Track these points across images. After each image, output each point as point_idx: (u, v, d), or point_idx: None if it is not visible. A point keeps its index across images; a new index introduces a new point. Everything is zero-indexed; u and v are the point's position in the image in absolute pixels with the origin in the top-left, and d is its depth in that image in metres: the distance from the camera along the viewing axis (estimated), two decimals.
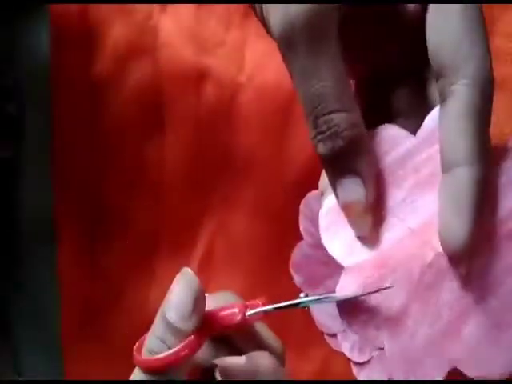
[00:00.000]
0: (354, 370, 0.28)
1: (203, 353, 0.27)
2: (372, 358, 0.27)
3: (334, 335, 0.28)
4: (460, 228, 0.22)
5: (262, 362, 0.26)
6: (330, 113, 0.23)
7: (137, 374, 0.24)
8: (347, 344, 0.28)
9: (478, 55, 0.23)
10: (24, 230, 0.41)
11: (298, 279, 0.29)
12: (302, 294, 0.25)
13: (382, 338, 0.25)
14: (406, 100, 0.27)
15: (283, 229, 0.39)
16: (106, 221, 0.41)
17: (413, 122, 0.25)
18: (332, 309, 0.28)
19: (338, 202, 0.25)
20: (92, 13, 0.41)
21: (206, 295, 0.25)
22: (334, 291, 0.25)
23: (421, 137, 0.25)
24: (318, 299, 0.25)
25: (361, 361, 0.27)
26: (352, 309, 0.25)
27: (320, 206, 0.27)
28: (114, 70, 0.41)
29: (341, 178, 0.24)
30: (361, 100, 0.28)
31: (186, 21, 0.40)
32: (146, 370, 0.24)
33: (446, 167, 0.23)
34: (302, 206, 0.28)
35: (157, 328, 0.24)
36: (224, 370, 0.26)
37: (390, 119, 0.26)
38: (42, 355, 0.41)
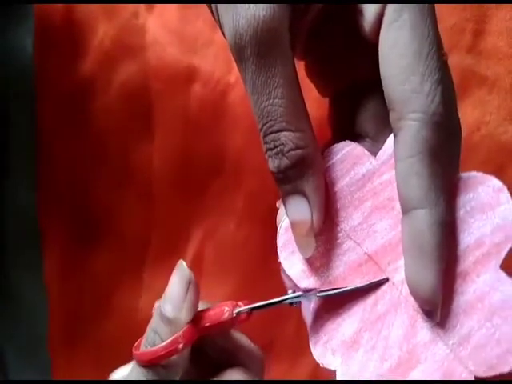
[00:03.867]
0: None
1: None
2: None
3: None
4: (427, 280, 0.22)
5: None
6: (277, 131, 0.23)
7: (132, 367, 0.26)
8: None
9: (430, 87, 0.22)
10: (9, 234, 0.40)
11: (288, 284, 0.28)
12: (289, 291, 0.26)
13: (335, 363, 0.24)
14: (374, 120, 0.26)
15: (273, 233, 0.39)
16: (94, 226, 0.41)
17: (380, 143, 0.25)
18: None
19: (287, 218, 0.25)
20: (77, 12, 0.40)
21: None
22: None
23: (381, 159, 0.24)
24: (304, 295, 0.25)
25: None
26: (316, 328, 0.25)
27: None
28: (101, 70, 0.40)
29: (288, 197, 0.24)
30: (332, 118, 0.28)
31: (173, 20, 0.40)
32: (139, 362, 0.25)
33: (404, 208, 0.22)
34: None
35: (153, 321, 0.26)
36: None
37: (359, 139, 0.26)
38: (28, 362, 0.41)
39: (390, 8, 0.22)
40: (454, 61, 0.38)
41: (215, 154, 0.39)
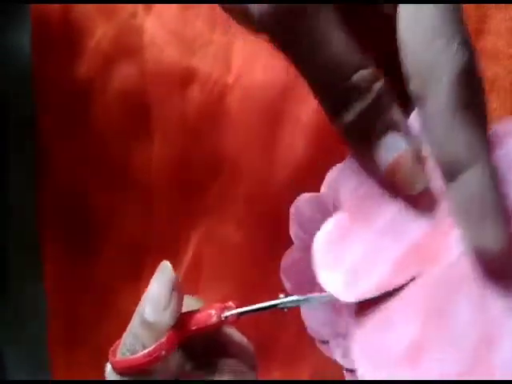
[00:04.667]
0: (347, 376, 0.28)
1: (171, 361, 0.26)
2: None
3: (326, 342, 0.28)
4: (497, 237, 0.20)
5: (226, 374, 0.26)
6: (349, 76, 0.21)
7: (110, 375, 0.24)
8: (339, 350, 0.28)
9: (457, 46, 0.21)
10: (9, 235, 0.40)
11: (288, 285, 0.28)
12: (281, 295, 0.25)
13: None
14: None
15: (273, 234, 0.39)
16: (93, 228, 0.41)
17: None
18: (324, 316, 0.28)
19: (381, 170, 0.22)
20: (75, 13, 0.40)
21: None
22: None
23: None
24: (297, 300, 0.24)
25: (353, 367, 0.27)
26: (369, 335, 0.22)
27: (310, 210, 0.27)
28: (99, 70, 0.40)
29: (380, 140, 0.22)
30: None
31: (171, 21, 0.40)
32: (118, 370, 0.24)
33: (448, 176, 0.21)
34: (291, 211, 0.28)
35: (132, 323, 0.24)
36: None
37: None
38: (28, 363, 0.41)
39: None
40: None
41: (214, 156, 0.39)
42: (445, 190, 0.22)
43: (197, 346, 0.27)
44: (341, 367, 0.28)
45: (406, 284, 0.21)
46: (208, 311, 0.25)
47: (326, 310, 0.28)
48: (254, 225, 0.39)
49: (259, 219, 0.39)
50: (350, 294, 0.21)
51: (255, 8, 0.22)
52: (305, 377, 0.39)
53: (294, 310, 0.28)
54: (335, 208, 0.24)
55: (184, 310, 0.26)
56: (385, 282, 0.21)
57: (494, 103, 0.37)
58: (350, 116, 0.22)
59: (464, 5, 0.38)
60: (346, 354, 0.27)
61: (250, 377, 0.26)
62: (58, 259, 0.41)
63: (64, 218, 0.41)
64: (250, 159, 0.38)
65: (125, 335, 0.24)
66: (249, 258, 0.39)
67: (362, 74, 0.21)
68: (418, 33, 0.21)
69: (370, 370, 0.21)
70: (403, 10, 0.22)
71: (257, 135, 0.39)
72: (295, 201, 0.28)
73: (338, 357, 0.27)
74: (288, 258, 0.28)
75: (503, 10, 0.37)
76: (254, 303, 0.25)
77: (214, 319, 0.24)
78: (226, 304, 0.25)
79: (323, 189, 0.27)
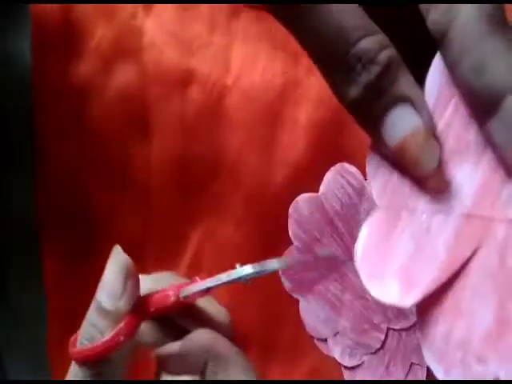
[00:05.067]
0: (345, 374, 0.28)
1: (148, 336, 0.26)
2: (363, 362, 0.27)
3: (324, 340, 0.28)
4: None
5: (199, 340, 0.25)
6: (355, 43, 0.19)
7: (72, 367, 0.23)
8: (338, 348, 0.28)
9: None
10: (8, 235, 0.40)
11: (288, 285, 0.28)
12: (237, 265, 0.24)
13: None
14: None
15: (272, 234, 0.39)
16: (93, 227, 0.40)
17: None
18: (323, 313, 0.28)
19: (390, 147, 0.20)
20: (75, 13, 0.40)
21: (144, 276, 0.25)
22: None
23: (431, 102, 0.21)
24: (253, 268, 0.23)
25: (351, 365, 0.27)
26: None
27: (309, 210, 0.27)
28: (98, 71, 0.40)
29: (387, 115, 0.20)
30: None
31: (170, 22, 0.40)
32: (78, 361, 0.23)
33: (488, 109, 0.19)
34: (291, 210, 0.28)
35: (89, 313, 0.24)
36: (162, 361, 0.26)
37: None
38: (28, 364, 0.41)
39: None
40: None
41: (213, 156, 0.39)
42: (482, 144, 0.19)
43: (174, 318, 0.26)
44: (339, 365, 0.28)
45: (466, 263, 0.19)
46: (166, 292, 0.24)
47: (325, 308, 0.28)
48: (253, 225, 0.39)
49: (258, 219, 0.39)
50: (408, 300, 0.19)
51: None
52: (303, 374, 0.39)
53: (292, 308, 0.28)
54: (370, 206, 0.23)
55: (155, 286, 0.26)
56: (442, 272, 0.19)
57: None
58: (355, 90, 0.20)
59: None
60: (344, 351, 0.27)
61: (225, 346, 0.25)
62: (58, 259, 0.41)
63: (64, 218, 0.41)
64: (249, 160, 0.38)
65: (82, 325, 0.24)
66: (248, 258, 0.39)
67: (367, 42, 0.20)
68: None
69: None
70: None
71: (256, 136, 0.39)
72: (294, 201, 0.28)
73: (336, 355, 0.28)
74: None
75: (507, 11, 0.37)
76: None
77: (172, 299, 0.24)
78: (188, 282, 0.25)
79: (322, 189, 0.27)
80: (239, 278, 0.23)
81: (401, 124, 0.20)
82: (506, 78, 0.18)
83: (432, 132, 0.20)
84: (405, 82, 0.20)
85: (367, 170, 0.22)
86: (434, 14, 0.20)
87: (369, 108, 0.20)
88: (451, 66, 0.20)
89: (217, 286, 0.24)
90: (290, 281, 0.28)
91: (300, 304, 0.28)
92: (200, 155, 0.39)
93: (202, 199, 0.40)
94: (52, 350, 0.40)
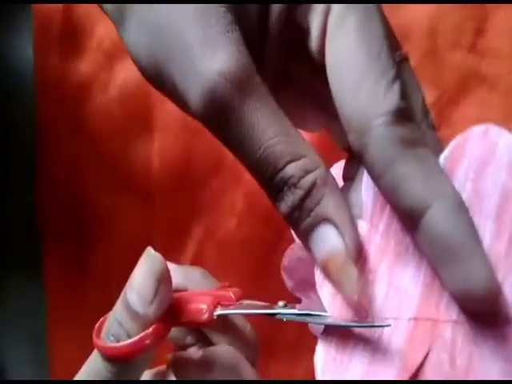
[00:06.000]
0: None
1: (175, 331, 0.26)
2: None
3: None
4: (481, 277, 0.19)
5: (223, 357, 0.25)
6: (282, 169, 0.21)
7: (94, 358, 0.23)
8: None
9: (386, 86, 0.20)
10: (9, 233, 0.40)
11: (289, 283, 0.28)
12: (280, 303, 0.23)
13: None
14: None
15: (274, 232, 0.39)
16: (94, 225, 0.40)
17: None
18: None
19: (317, 263, 0.21)
20: (76, 12, 0.40)
21: (173, 267, 0.25)
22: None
23: (368, 214, 0.21)
24: (295, 314, 0.22)
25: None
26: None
27: None
28: (100, 69, 0.40)
29: (310, 234, 0.21)
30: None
31: None
32: (104, 355, 0.23)
33: (411, 224, 0.20)
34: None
35: (117, 310, 0.23)
36: (177, 365, 0.25)
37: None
38: (27, 361, 0.41)
39: (332, 15, 0.21)
40: (455, 59, 0.38)
41: (215, 153, 0.39)
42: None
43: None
44: None
45: (420, 368, 0.20)
46: (200, 306, 0.23)
47: None
48: (255, 222, 0.39)
49: (260, 217, 0.39)
50: None
51: (191, 102, 0.21)
52: (304, 374, 0.39)
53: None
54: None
55: (184, 281, 0.25)
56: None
57: (495, 103, 0.37)
58: (283, 208, 0.21)
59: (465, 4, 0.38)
60: None
61: (243, 368, 0.25)
62: (59, 258, 0.41)
63: (65, 217, 0.41)
64: None
65: (109, 319, 0.23)
66: (250, 256, 0.39)
67: (292, 168, 0.21)
68: (344, 82, 0.21)
69: None
70: (328, 51, 0.21)
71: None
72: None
73: None
74: (289, 256, 0.28)
75: (505, 8, 0.37)
76: (255, 300, 0.25)
77: (205, 317, 0.23)
78: (226, 293, 0.24)
79: None
80: (277, 314, 0.23)
81: (322, 244, 0.21)
82: (420, 198, 0.19)
83: (352, 256, 0.20)
84: (328, 204, 0.21)
85: (316, 280, 0.22)
86: (350, 137, 0.20)
87: (297, 224, 0.21)
88: (374, 183, 0.21)
89: (253, 315, 0.23)
90: (291, 279, 0.28)
91: (302, 303, 0.27)
92: (202, 151, 0.39)
93: (204, 196, 0.40)
94: (52, 349, 0.40)
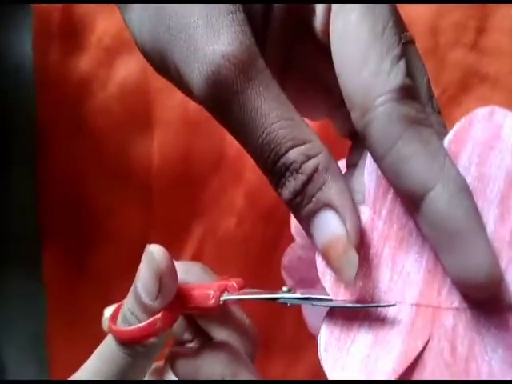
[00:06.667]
0: None
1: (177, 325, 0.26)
2: None
3: None
4: (483, 263, 0.19)
5: (216, 352, 0.25)
6: (284, 154, 0.20)
7: (108, 342, 0.24)
8: None
9: (391, 63, 0.19)
10: (9, 232, 0.40)
11: (289, 282, 0.28)
12: (284, 288, 0.23)
13: None
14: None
15: (274, 231, 0.39)
16: (93, 224, 0.40)
17: None
18: (323, 311, 0.28)
19: (317, 248, 0.21)
20: (76, 9, 0.40)
21: (177, 263, 0.25)
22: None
23: (370, 199, 0.21)
24: (298, 298, 0.23)
25: None
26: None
27: None
28: (100, 66, 0.40)
29: (312, 219, 0.21)
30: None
31: None
32: (118, 339, 0.24)
33: (415, 201, 0.19)
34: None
35: (129, 300, 0.24)
36: (175, 361, 0.26)
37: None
38: (27, 360, 0.41)
39: None
40: (457, 58, 0.38)
41: (214, 151, 0.39)
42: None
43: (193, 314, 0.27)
44: None
45: (420, 355, 0.20)
46: (207, 291, 0.24)
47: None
48: (256, 221, 0.39)
49: (260, 215, 0.39)
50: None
51: (194, 86, 0.21)
52: (304, 373, 0.39)
53: (293, 307, 0.28)
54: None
55: (184, 276, 0.26)
56: (398, 365, 0.20)
57: (496, 101, 0.37)
58: (285, 193, 0.21)
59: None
60: None
61: (240, 364, 0.25)
62: (58, 257, 0.41)
63: (65, 216, 0.41)
64: None
65: (123, 308, 0.24)
66: (250, 254, 0.39)
67: (295, 153, 0.20)
68: (348, 58, 0.20)
69: None
70: (332, 30, 0.21)
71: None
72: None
73: None
74: (289, 255, 0.28)
75: (506, 7, 0.37)
76: (240, 278, 0.25)
77: (212, 302, 0.24)
78: (228, 283, 0.24)
79: None
80: (280, 299, 0.23)
81: (323, 230, 0.20)
82: (423, 179, 0.19)
83: (353, 242, 0.20)
84: (330, 190, 0.20)
85: (317, 267, 0.22)
86: (353, 115, 0.20)
87: (299, 209, 0.21)
88: (377, 165, 0.21)
89: (257, 299, 0.24)
90: (291, 278, 0.28)
91: (302, 304, 0.27)
92: (202, 149, 0.39)
93: (204, 195, 0.40)
94: (51, 348, 0.40)
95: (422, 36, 0.38)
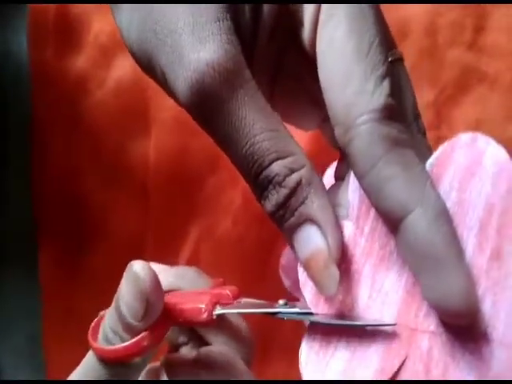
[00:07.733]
0: None
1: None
2: None
3: None
4: (459, 287, 0.18)
5: (212, 357, 0.25)
6: (268, 165, 0.20)
7: (90, 359, 0.23)
8: None
9: (375, 83, 0.19)
10: (5, 233, 0.40)
11: (287, 282, 0.28)
12: (280, 301, 0.23)
13: None
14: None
15: (271, 231, 0.38)
16: (89, 225, 0.40)
17: None
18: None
19: (299, 261, 0.21)
20: (72, 8, 0.40)
21: (168, 269, 0.25)
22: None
23: (354, 214, 0.21)
24: (296, 313, 0.22)
25: None
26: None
27: None
28: (96, 65, 0.40)
29: (294, 233, 0.21)
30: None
31: None
32: (100, 358, 0.22)
33: (393, 224, 0.19)
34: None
35: (111, 318, 0.22)
36: (171, 367, 0.25)
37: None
38: (23, 361, 0.41)
39: (324, 6, 0.20)
40: (455, 57, 0.38)
41: (211, 151, 0.39)
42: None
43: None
44: None
45: (397, 373, 0.20)
46: (198, 306, 0.22)
47: None
48: (252, 221, 0.39)
49: (257, 216, 0.39)
50: None
51: (179, 93, 0.21)
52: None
53: None
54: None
55: (177, 281, 0.25)
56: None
57: (494, 100, 0.37)
58: (268, 206, 0.21)
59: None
60: None
61: (237, 371, 0.25)
62: (56, 258, 0.40)
63: (61, 216, 0.41)
64: None
65: (104, 325, 0.23)
66: (247, 255, 0.39)
67: (278, 166, 0.20)
68: (333, 75, 0.20)
69: None
70: (318, 44, 0.21)
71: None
72: None
73: None
74: (287, 255, 0.28)
75: (504, 6, 0.37)
76: (235, 287, 0.24)
77: (205, 316, 0.22)
78: (222, 291, 0.24)
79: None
80: (278, 313, 0.22)
81: (305, 244, 0.20)
82: (402, 201, 0.19)
83: (334, 257, 0.20)
84: (313, 204, 0.20)
85: (299, 278, 0.22)
86: (337, 132, 0.20)
87: (281, 222, 0.21)
88: (358, 182, 0.20)
89: (253, 314, 0.23)
90: (289, 279, 0.28)
91: (302, 302, 0.27)
92: (198, 149, 0.39)
93: (200, 195, 0.40)
94: (48, 349, 0.40)
95: (420, 35, 0.38)
